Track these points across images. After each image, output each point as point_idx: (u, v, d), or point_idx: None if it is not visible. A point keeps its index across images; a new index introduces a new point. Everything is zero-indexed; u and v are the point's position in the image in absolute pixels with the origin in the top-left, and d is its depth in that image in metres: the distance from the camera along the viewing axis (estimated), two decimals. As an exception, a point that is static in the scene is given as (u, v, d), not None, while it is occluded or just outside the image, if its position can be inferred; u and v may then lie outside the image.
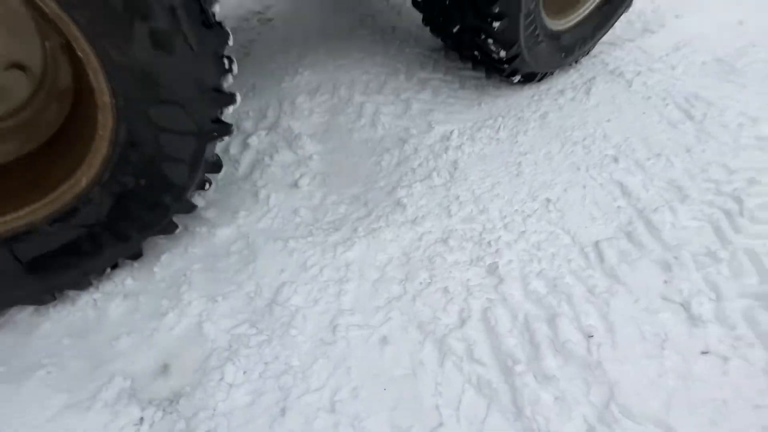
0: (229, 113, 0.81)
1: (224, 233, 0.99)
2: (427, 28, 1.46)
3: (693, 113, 1.39)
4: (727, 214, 1.08)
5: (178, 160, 0.79)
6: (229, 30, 0.71)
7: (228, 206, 1.05)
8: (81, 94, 0.76)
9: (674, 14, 2.04)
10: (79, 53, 0.60)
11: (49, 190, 0.73)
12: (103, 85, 0.63)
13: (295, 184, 1.11)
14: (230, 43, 0.72)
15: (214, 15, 0.68)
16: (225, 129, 0.82)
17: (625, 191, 1.12)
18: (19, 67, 0.75)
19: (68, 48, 0.73)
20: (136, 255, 0.90)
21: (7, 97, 0.78)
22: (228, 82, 0.77)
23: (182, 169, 0.80)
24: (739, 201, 1.10)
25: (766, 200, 1.11)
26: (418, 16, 1.44)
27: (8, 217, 0.71)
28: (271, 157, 1.18)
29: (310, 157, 1.18)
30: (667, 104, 1.43)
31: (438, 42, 1.59)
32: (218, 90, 0.75)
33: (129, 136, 0.70)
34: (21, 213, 0.72)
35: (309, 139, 1.23)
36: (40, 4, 0.54)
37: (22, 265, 0.75)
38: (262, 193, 1.08)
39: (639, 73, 1.58)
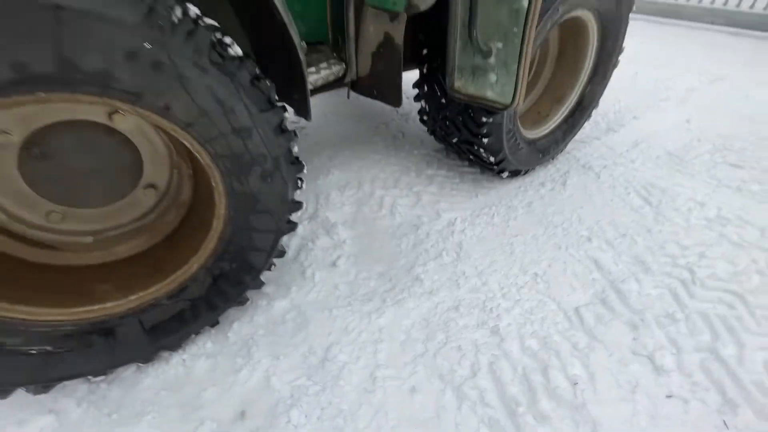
0: (297, 215, 1.12)
1: (280, 305, 1.25)
2: (432, 136, 1.87)
3: (651, 199, 1.72)
4: (683, 282, 1.34)
5: (261, 250, 1.08)
6: (303, 162, 1.06)
7: (282, 283, 1.32)
8: (198, 205, 1.08)
9: (632, 115, 2.50)
10: (213, 184, 0.92)
11: (170, 273, 1.01)
12: (223, 203, 0.95)
13: (334, 264, 1.40)
14: (305, 171, 1.06)
15: (297, 155, 1.03)
16: (293, 226, 1.13)
17: (598, 265, 1.40)
18: (152, 186, 1.08)
19: (195, 176, 1.08)
20: (215, 323, 1.15)
21: (139, 207, 1.09)
22: (298, 195, 1.09)
23: (262, 256, 1.09)
24: (691, 272, 1.37)
25: (714, 271, 1.37)
26: (420, 126, 1.85)
27: (141, 294, 0.98)
28: (313, 242, 1.48)
29: (344, 242, 1.48)
30: (629, 192, 1.76)
31: (440, 145, 1.99)
32: (294, 201, 1.07)
33: (232, 234, 1.00)
34: (150, 291, 0.99)
35: (342, 227, 1.55)
36: (197, 155, 0.88)
37: (145, 331, 1.00)
38: (308, 272, 1.36)
39: (605, 167, 1.94)
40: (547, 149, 1.84)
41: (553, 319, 1.20)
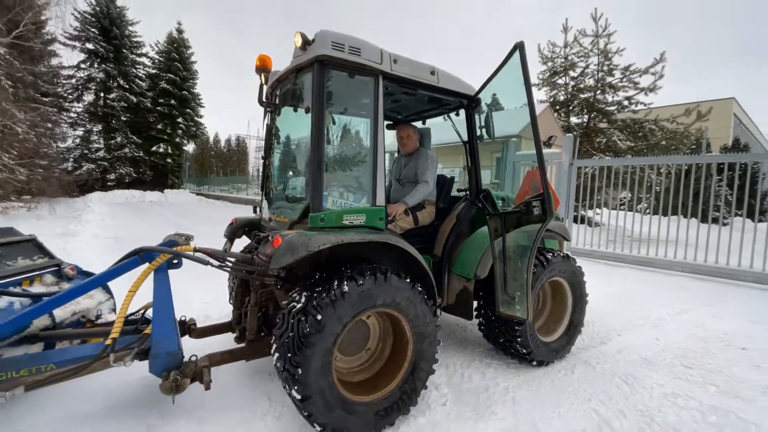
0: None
1: (422, 418, 2.31)
2: (485, 338, 3.18)
3: (628, 382, 2.79)
4: (648, 424, 2.30)
5: (421, 383, 2.28)
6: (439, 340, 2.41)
7: (420, 405, 2.40)
8: (395, 357, 2.36)
9: (617, 333, 3.74)
10: (408, 345, 2.24)
11: (384, 386, 2.21)
12: (409, 355, 2.24)
13: (444, 404, 2.48)
14: (440, 344, 2.41)
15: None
16: (432, 372, 2.37)
17: (596, 412, 2.41)
18: (369, 348, 2.41)
19: (394, 342, 2.42)
20: (406, 413, 2.23)
21: (361, 359, 2.39)
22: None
23: (421, 386, 2.28)
24: (652, 419, 2.34)
25: (666, 419, 2.34)
26: (479, 333, 3.19)
27: (374, 395, 2.15)
28: (430, 390, 2.61)
29: (447, 393, 2.60)
30: (614, 377, 2.85)
31: (490, 344, 3.26)
32: (435, 359, 2.37)
33: (410, 373, 2.24)
34: (373, 397, 2.16)
35: (444, 386, 2.69)
36: (406, 329, 2.24)
37: (376, 415, 2.11)
38: (432, 405, 2.45)
39: (599, 363, 3.08)
40: (558, 350, 3.08)
41: (571, 436, 2.18)
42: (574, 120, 14.51)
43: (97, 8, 26.61)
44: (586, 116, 13.55)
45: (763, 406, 2.50)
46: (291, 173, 3.09)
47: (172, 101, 30.50)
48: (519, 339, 2.83)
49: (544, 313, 3.31)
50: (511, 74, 3.12)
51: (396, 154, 3.84)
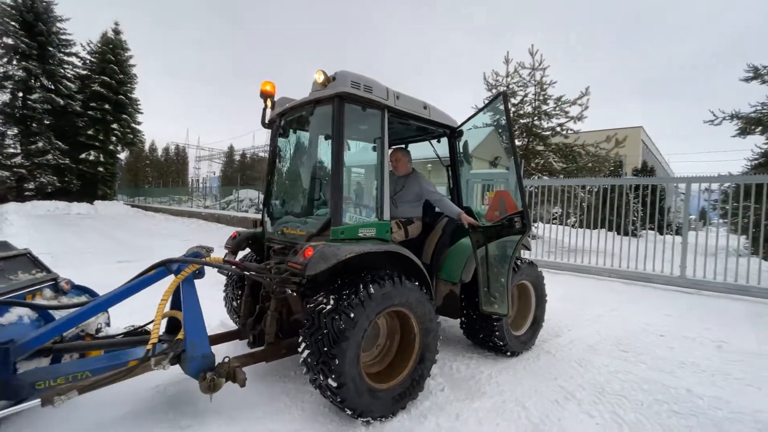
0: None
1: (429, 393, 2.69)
2: (465, 335, 3.66)
3: (583, 364, 3.42)
4: (595, 387, 2.90)
5: (428, 368, 2.66)
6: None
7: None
8: (402, 351, 2.71)
9: (568, 329, 4.44)
10: (415, 339, 2.62)
11: (398, 375, 2.55)
12: (417, 348, 2.61)
13: (443, 390, 2.89)
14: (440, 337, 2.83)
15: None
16: (435, 362, 2.78)
17: (559, 384, 2.97)
18: (378, 345, 2.75)
19: (402, 337, 2.78)
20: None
21: (372, 354, 2.72)
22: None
23: (427, 371, 2.66)
24: (602, 387, 2.95)
25: (604, 387, 2.97)
26: (458, 332, 3.67)
27: (389, 382, 2.48)
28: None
29: (440, 379, 3.01)
30: (570, 361, 3.47)
31: (469, 341, 3.75)
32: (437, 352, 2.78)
33: (418, 363, 2.61)
34: (390, 385, 2.49)
35: (438, 376, 3.10)
36: (414, 326, 2.62)
37: (392, 400, 2.45)
38: (432, 383, 2.84)
39: (558, 351, 3.70)
40: (525, 342, 3.65)
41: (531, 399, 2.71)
42: (516, 143, 16.04)
43: (20, 0, 24.19)
44: (525, 139, 15.03)
45: (679, 376, 3.24)
46: (304, 191, 3.38)
47: (106, 105, 28.32)
48: (497, 333, 3.35)
49: (513, 311, 3.88)
50: (487, 115, 3.73)
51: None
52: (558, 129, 14.96)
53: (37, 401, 1.90)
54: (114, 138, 29.32)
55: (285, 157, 3.51)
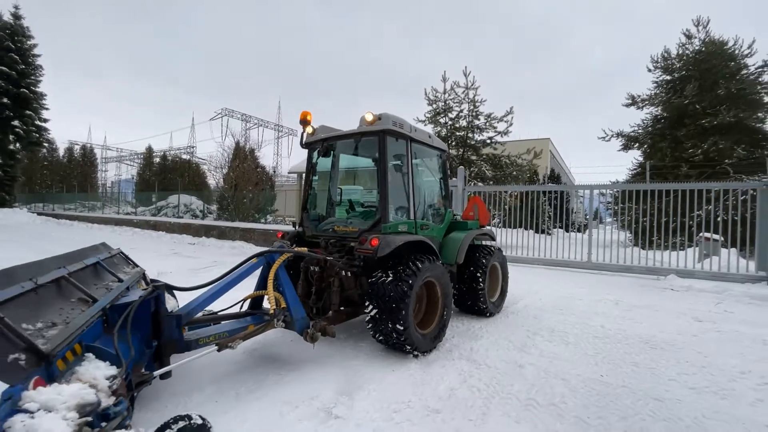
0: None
1: (450, 341, 3.86)
2: (455, 306, 4.94)
3: (537, 318, 4.90)
4: (528, 336, 4.36)
5: (447, 320, 3.82)
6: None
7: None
8: (430, 308, 3.82)
9: (519, 299, 5.98)
10: (439, 300, 3.75)
11: (430, 325, 3.65)
12: (440, 306, 3.76)
13: (450, 350, 4.10)
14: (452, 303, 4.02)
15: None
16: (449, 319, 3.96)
17: (533, 332, 4.37)
18: None
19: (428, 298, 3.90)
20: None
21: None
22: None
23: (447, 324, 3.82)
24: (533, 333, 4.43)
25: (542, 337, 4.46)
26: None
27: (426, 329, 3.58)
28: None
29: (451, 334, 4.22)
30: (525, 318, 4.93)
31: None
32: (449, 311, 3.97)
33: (442, 319, 3.76)
34: (426, 331, 3.59)
35: (447, 331, 4.31)
36: (438, 291, 3.75)
37: (429, 339, 3.54)
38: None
39: (514, 313, 5.16)
40: (498, 306, 5.05)
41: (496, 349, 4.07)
42: (452, 152, 18.04)
43: None
44: (461, 150, 17.09)
45: (595, 319, 4.88)
46: (351, 199, 4.36)
47: (5, 99, 24.92)
48: (481, 299, 4.68)
49: (492, 284, 5.27)
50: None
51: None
52: (488, 141, 17.27)
53: (203, 351, 2.70)
54: (13, 137, 25.86)
55: (334, 174, 4.49)
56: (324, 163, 4.54)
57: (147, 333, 2.56)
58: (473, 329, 4.40)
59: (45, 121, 28.11)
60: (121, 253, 3.62)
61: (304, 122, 4.26)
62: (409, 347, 3.40)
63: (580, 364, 3.46)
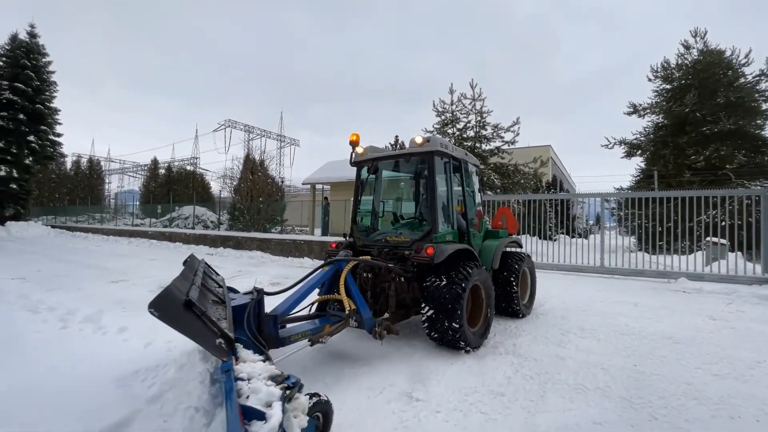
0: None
1: (493, 339, 4.29)
2: (491, 307, 5.40)
3: (565, 318, 5.34)
4: (563, 333, 4.80)
5: (491, 320, 4.26)
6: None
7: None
8: (475, 309, 4.26)
9: (544, 302, 6.42)
10: (483, 303, 4.19)
11: (477, 324, 4.09)
12: (484, 307, 4.19)
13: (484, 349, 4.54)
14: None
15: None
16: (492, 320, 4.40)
17: (564, 331, 4.81)
18: None
19: (473, 301, 4.34)
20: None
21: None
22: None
23: (491, 324, 4.26)
24: (566, 332, 4.86)
25: (570, 326, 4.90)
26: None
27: (474, 329, 4.03)
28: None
29: (492, 333, 4.66)
30: (556, 318, 5.38)
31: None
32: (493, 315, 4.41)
33: (486, 317, 4.20)
34: (475, 328, 4.03)
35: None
36: (482, 294, 4.19)
37: (477, 336, 3.98)
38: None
39: (542, 314, 5.60)
40: (528, 307, 5.50)
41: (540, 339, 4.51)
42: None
43: None
44: (470, 159, 17.61)
45: (619, 319, 5.30)
46: (402, 212, 4.83)
47: (21, 116, 25.56)
48: (515, 301, 5.13)
49: (522, 289, 5.72)
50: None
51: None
52: (495, 151, 17.81)
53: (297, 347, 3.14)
54: (28, 151, 26.46)
55: (380, 189, 4.97)
56: (386, 180, 5.03)
57: (254, 329, 3.01)
58: (510, 328, 4.84)
59: (59, 135, 28.74)
60: (206, 263, 4.08)
61: (354, 144, 4.75)
62: (462, 343, 3.84)
63: (614, 356, 3.90)
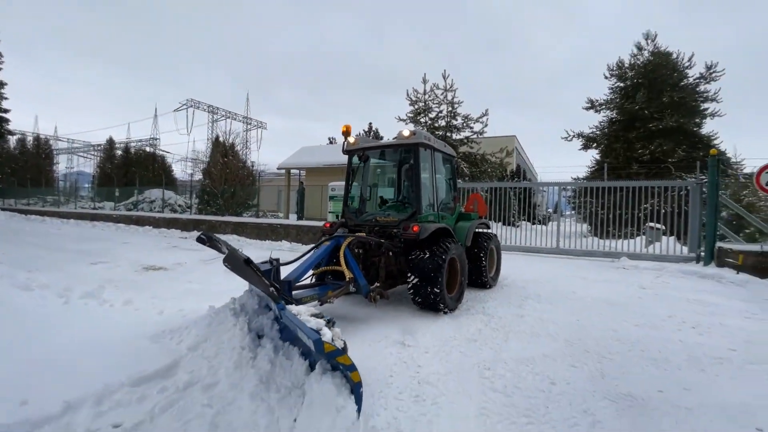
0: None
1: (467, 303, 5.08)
2: (463, 280, 6.22)
3: (525, 288, 6.26)
4: (522, 299, 5.72)
5: (464, 288, 5.04)
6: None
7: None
8: (451, 276, 5.01)
9: (507, 276, 7.36)
10: (459, 272, 4.95)
11: (453, 290, 4.85)
12: (460, 274, 4.96)
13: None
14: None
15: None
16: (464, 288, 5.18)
17: (524, 297, 5.70)
18: None
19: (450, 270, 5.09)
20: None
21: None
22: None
23: (463, 290, 5.04)
24: (539, 296, 5.79)
25: (529, 294, 5.83)
26: (460, 277, 6.23)
27: (452, 294, 4.78)
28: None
29: (465, 300, 5.46)
30: (517, 288, 6.29)
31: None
32: (465, 284, 5.19)
33: (461, 284, 4.96)
34: (452, 294, 4.78)
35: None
36: (458, 265, 4.96)
37: (453, 299, 4.74)
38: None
39: (507, 285, 6.51)
40: (495, 279, 6.38)
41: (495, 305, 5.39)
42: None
43: None
44: (441, 148, 18.46)
45: (571, 288, 6.29)
46: (390, 195, 5.47)
47: (-37, 88, 23.65)
48: (484, 274, 5.97)
49: (490, 262, 6.57)
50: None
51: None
52: (465, 140, 18.75)
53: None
54: (-28, 127, 24.61)
55: (368, 175, 5.57)
56: (375, 168, 5.64)
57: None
58: (480, 296, 5.68)
59: (6, 111, 26.82)
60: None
61: (346, 134, 5.32)
62: (442, 305, 4.60)
63: (562, 314, 4.82)
